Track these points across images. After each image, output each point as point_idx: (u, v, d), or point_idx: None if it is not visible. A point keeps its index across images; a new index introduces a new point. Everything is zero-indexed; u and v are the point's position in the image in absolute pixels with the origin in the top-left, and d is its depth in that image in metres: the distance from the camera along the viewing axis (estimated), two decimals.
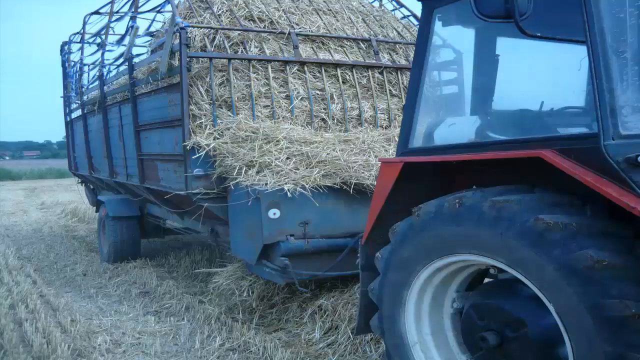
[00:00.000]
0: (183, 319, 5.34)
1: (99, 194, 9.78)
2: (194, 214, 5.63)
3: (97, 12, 8.77)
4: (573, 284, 2.18)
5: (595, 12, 2.37)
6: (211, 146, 5.13)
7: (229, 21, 5.95)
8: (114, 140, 7.67)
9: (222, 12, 6.03)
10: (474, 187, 2.83)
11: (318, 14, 6.55)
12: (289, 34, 5.97)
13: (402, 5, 7.54)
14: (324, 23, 6.40)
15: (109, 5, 8.30)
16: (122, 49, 7.74)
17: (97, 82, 8.38)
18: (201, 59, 5.50)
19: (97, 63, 8.58)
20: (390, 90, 6.26)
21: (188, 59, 5.29)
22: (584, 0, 2.38)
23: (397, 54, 6.61)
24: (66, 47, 10.08)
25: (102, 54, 8.22)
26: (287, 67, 5.80)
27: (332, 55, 6.10)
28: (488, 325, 2.74)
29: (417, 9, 7.97)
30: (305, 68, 5.88)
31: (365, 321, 3.38)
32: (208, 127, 5.32)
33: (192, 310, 5.55)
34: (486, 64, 3.31)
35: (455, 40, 3.70)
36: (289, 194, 4.56)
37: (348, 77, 6.08)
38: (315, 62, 5.94)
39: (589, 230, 2.26)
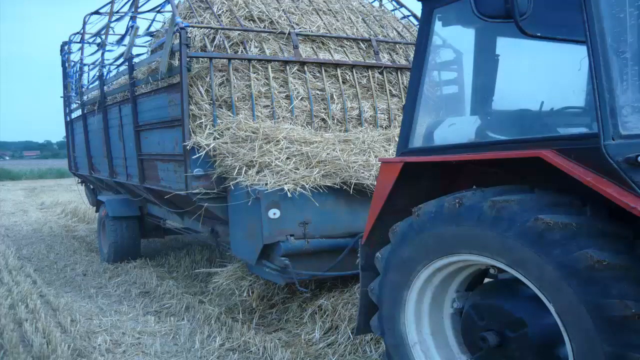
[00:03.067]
0: (183, 319, 5.34)
1: (99, 194, 9.77)
2: (194, 214, 5.63)
3: (97, 12, 8.78)
4: (573, 284, 2.18)
5: (595, 12, 2.37)
6: (211, 146, 5.13)
7: (229, 21, 5.95)
8: (114, 140, 7.67)
9: (222, 12, 6.03)
10: (474, 187, 2.83)
11: (318, 14, 6.55)
12: (289, 34, 5.97)
13: (402, 5, 7.54)
14: (324, 23, 6.40)
15: (109, 5, 8.31)
16: (122, 49, 7.76)
17: (97, 82, 8.38)
18: (201, 59, 5.50)
19: (97, 63, 8.59)
20: (390, 90, 6.26)
21: (188, 59, 5.29)
22: (584, 0, 2.38)
23: (397, 54, 6.61)
24: (66, 47, 10.09)
25: (102, 54, 8.23)
26: (287, 67, 5.80)
27: (332, 55, 6.10)
28: (488, 325, 2.74)
29: (417, 9, 7.98)
30: (305, 68, 5.88)
31: (365, 321, 3.39)
32: (208, 127, 5.32)
33: (192, 310, 5.55)
34: (486, 64, 3.31)
35: (455, 40, 3.70)
36: (289, 194, 4.56)
37: (348, 77, 6.08)
38: (315, 62, 5.94)
39: (589, 230, 2.26)
